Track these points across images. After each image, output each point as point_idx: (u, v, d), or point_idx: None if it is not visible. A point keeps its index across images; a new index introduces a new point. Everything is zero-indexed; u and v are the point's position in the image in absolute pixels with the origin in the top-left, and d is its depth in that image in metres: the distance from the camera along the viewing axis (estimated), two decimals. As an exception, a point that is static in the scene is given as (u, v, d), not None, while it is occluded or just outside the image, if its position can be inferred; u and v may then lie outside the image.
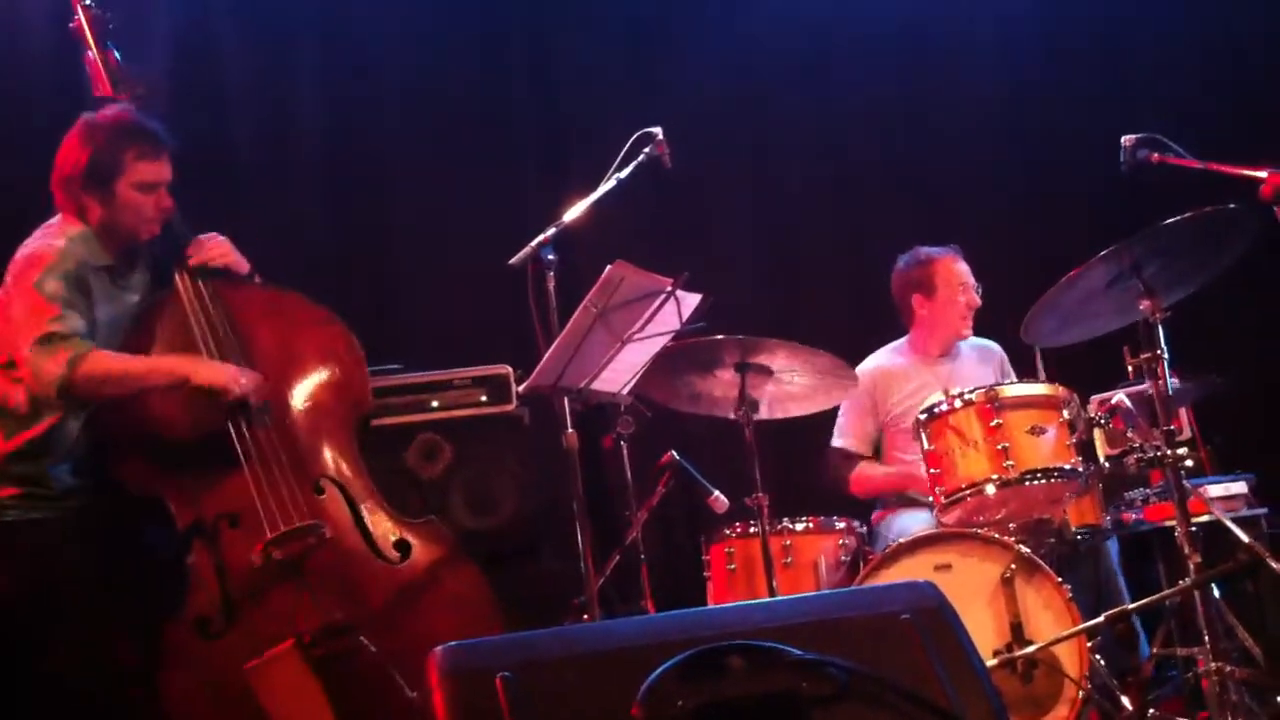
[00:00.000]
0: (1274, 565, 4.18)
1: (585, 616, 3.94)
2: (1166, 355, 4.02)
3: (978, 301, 5.11)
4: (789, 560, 4.49)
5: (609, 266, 3.77)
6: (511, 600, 3.98)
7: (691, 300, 3.94)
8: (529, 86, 6.22)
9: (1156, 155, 4.10)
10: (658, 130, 4.16)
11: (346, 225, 5.89)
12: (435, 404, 4.85)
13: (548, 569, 4.82)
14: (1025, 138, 6.31)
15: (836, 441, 5.16)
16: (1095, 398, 4.64)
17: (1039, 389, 4.34)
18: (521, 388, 4.16)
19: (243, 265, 4.12)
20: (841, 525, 4.61)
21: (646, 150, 4.15)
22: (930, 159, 6.35)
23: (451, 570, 3.95)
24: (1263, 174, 3.86)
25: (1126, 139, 4.14)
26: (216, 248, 4.08)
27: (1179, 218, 3.88)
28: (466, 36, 6.13)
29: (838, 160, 6.39)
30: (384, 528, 3.94)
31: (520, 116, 6.20)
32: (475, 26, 6.16)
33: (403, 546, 3.94)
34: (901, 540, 4.35)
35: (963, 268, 5.12)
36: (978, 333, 5.20)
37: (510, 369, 4.86)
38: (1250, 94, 6.04)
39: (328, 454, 3.99)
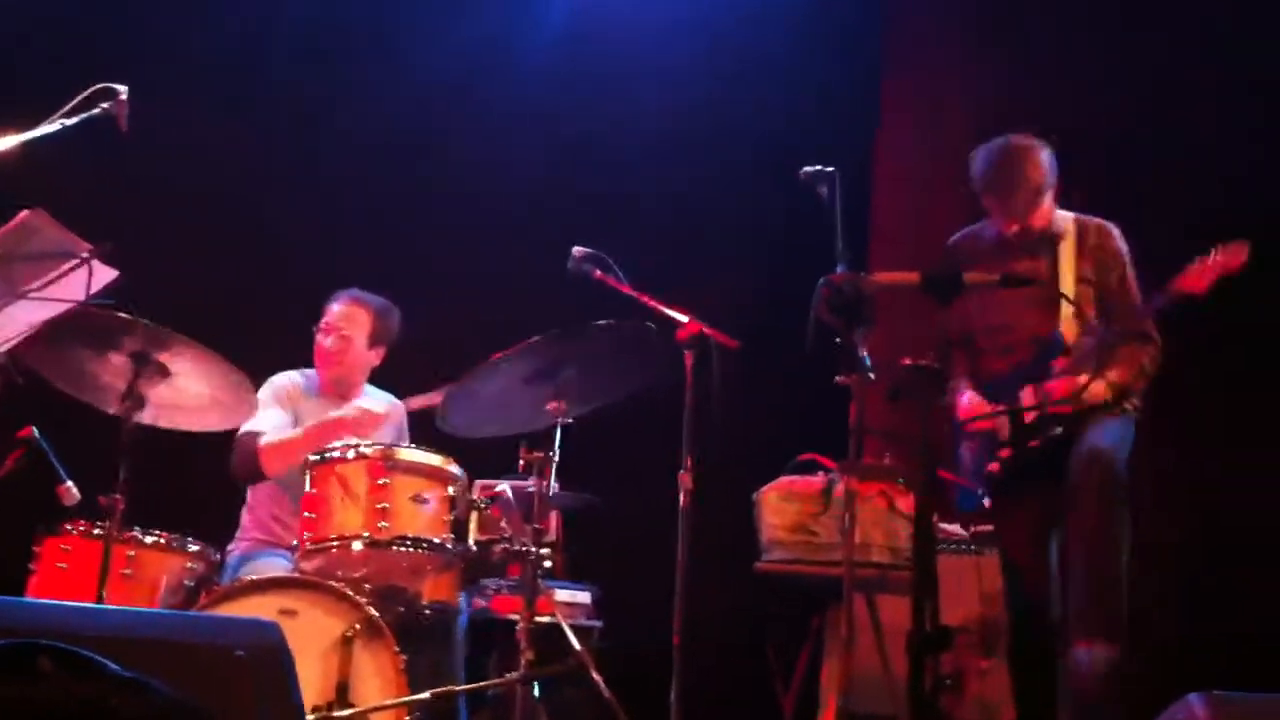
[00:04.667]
0: (595, 676, 4.40)
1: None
2: (557, 459, 4.20)
3: (327, 346, 4.93)
4: (129, 572, 4.21)
5: (25, 211, 3.43)
6: None
7: (106, 275, 3.66)
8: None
9: (599, 272, 4.34)
10: (122, 89, 3.81)
11: None
12: None
13: None
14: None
15: (248, 427, 4.71)
16: (480, 482, 4.74)
17: (433, 459, 4.34)
18: None
19: None
20: (195, 549, 4.39)
21: (104, 105, 3.79)
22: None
23: None
24: (684, 318, 4.17)
25: (577, 250, 4.35)
26: None
27: (598, 323, 4.09)
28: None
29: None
30: None
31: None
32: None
33: None
34: (252, 578, 4.23)
35: (332, 308, 4.96)
36: None
37: None
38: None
39: None
